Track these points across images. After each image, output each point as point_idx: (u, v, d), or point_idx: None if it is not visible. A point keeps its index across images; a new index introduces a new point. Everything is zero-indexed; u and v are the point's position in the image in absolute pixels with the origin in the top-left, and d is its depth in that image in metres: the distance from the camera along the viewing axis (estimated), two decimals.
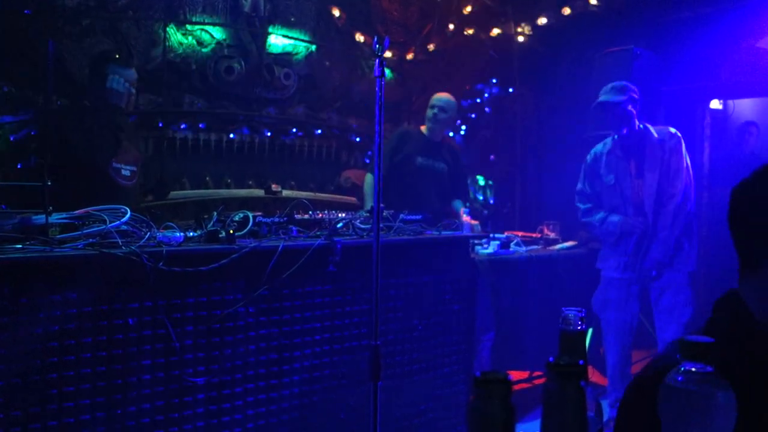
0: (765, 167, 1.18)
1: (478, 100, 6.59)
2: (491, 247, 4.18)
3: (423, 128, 4.54)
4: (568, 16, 5.72)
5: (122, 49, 4.41)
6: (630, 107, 3.80)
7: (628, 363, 3.99)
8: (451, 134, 6.43)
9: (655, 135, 3.88)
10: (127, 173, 3.42)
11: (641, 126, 3.88)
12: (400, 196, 3.99)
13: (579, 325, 1.00)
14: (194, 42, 4.79)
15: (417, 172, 4.38)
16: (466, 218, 4.06)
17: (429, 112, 4.46)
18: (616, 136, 3.96)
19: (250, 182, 5.12)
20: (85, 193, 2.93)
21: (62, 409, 2.38)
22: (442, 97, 4.49)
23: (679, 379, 0.82)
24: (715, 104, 5.74)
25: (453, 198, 4.59)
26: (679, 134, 3.88)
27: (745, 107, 6.06)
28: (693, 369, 0.82)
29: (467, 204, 4.55)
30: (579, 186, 4.15)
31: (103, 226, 2.50)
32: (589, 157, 4.11)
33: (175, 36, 4.71)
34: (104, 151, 3.30)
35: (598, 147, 4.09)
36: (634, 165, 3.91)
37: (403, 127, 4.76)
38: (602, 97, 3.85)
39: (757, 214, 1.15)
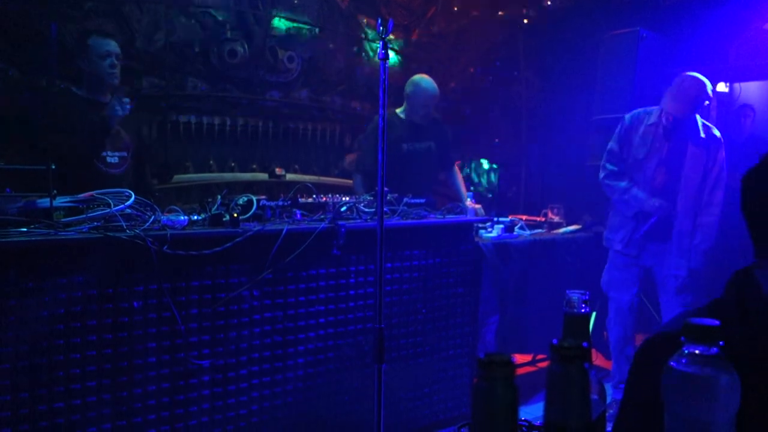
0: None
1: (483, 83, 6.56)
2: (495, 231, 4.18)
3: (398, 111, 4.37)
4: None
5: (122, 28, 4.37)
6: (698, 119, 3.73)
7: (629, 343, 3.99)
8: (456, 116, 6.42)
9: (702, 134, 3.75)
10: (115, 160, 3.35)
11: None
12: (389, 184, 3.92)
13: (583, 307, 1.00)
14: (197, 25, 4.77)
15: (404, 158, 4.24)
16: (469, 202, 4.06)
17: (422, 110, 4.27)
18: (666, 118, 3.78)
19: (254, 166, 5.11)
20: (70, 181, 2.85)
21: (69, 391, 2.40)
22: (435, 91, 4.31)
23: (683, 361, 0.82)
24: (722, 87, 5.70)
25: (439, 173, 4.54)
26: (721, 139, 3.78)
27: (751, 90, 6.01)
28: (697, 351, 0.82)
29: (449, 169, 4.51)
30: (612, 145, 3.97)
31: (108, 210, 2.50)
32: (627, 119, 3.93)
33: (177, 19, 4.68)
34: (90, 141, 3.23)
35: (640, 112, 3.92)
36: (667, 151, 3.79)
37: (374, 122, 4.57)
38: (679, 114, 3.70)
39: (763, 199, 1.14)
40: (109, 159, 3.33)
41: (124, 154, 3.41)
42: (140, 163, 3.56)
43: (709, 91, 3.71)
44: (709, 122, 3.88)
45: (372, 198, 3.31)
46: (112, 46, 3.34)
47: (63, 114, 3.28)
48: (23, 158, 3.84)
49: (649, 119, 3.87)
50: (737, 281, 1.17)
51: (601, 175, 4.00)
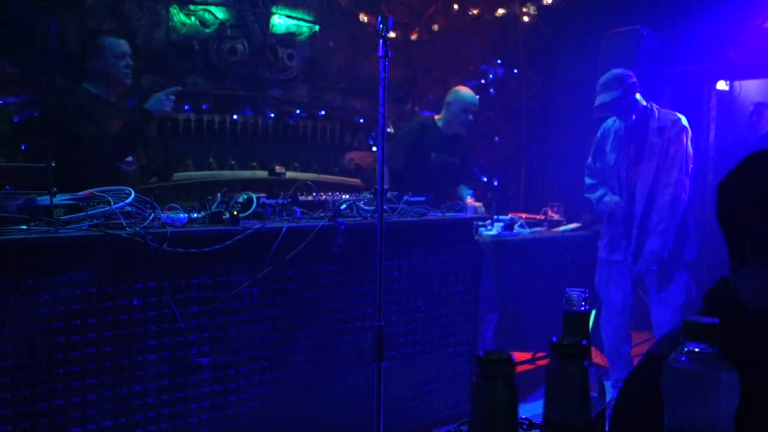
0: (746, 159, 1.16)
1: (483, 82, 6.55)
2: (495, 229, 4.18)
3: (437, 118, 4.50)
4: None
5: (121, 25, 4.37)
6: (629, 98, 3.73)
7: (625, 343, 3.98)
8: None
9: (657, 122, 3.79)
10: (129, 158, 3.42)
11: (649, 106, 3.81)
12: (409, 187, 3.95)
13: (582, 305, 1.00)
14: (197, 22, 4.76)
15: (431, 167, 4.37)
16: (469, 200, 4.06)
17: (464, 116, 4.39)
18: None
19: (254, 164, 5.11)
20: (89, 178, 2.91)
21: (68, 388, 2.40)
22: (474, 99, 4.46)
23: (683, 359, 0.82)
24: (722, 85, 5.70)
25: (459, 184, 4.58)
26: (684, 122, 3.77)
27: (752, 89, 6.01)
28: (696, 349, 0.82)
29: (471, 187, 4.54)
30: (588, 160, 4.11)
31: (108, 208, 2.50)
32: (599, 132, 4.05)
33: (177, 16, 4.68)
34: (128, 143, 3.30)
35: (608, 122, 4.02)
36: (633, 149, 3.85)
37: (420, 119, 4.70)
38: (597, 100, 3.79)
39: (741, 209, 1.14)
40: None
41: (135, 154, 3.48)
42: (141, 166, 3.62)
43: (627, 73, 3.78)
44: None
45: (372, 196, 3.31)
46: (124, 46, 3.39)
47: (87, 113, 3.29)
48: (23, 156, 3.85)
49: (614, 125, 3.96)
50: (715, 289, 1.17)
51: (585, 189, 4.14)
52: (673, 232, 3.74)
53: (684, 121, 3.80)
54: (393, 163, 4.32)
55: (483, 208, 4.11)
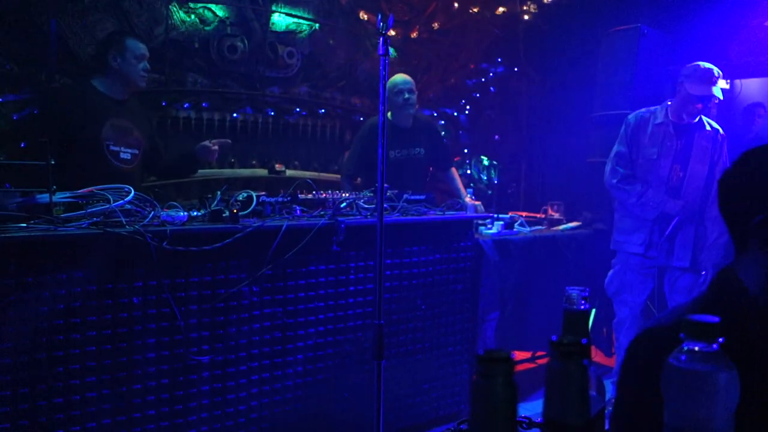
0: (741, 156, 1.23)
1: (483, 80, 6.55)
2: (495, 228, 4.18)
3: (389, 114, 4.19)
4: None
5: (121, 23, 4.38)
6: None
7: None
8: (455, 114, 6.41)
9: (708, 127, 3.75)
10: (127, 156, 3.39)
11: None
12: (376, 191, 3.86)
13: (582, 304, 1.00)
14: (197, 20, 4.76)
15: (392, 166, 3.93)
16: (468, 198, 4.05)
17: (399, 98, 4.13)
18: (671, 112, 3.77)
19: (254, 162, 5.11)
20: (83, 175, 2.91)
21: (68, 386, 2.40)
22: (406, 78, 4.21)
23: (683, 358, 0.81)
24: (723, 84, 5.69)
25: (436, 173, 4.50)
26: (723, 133, 3.78)
27: (752, 87, 6.01)
28: (696, 348, 0.82)
29: (454, 168, 4.48)
30: (620, 148, 3.88)
31: (107, 206, 2.50)
32: (632, 120, 3.87)
33: (177, 14, 4.67)
34: (96, 131, 3.28)
35: (643, 112, 3.87)
36: (680, 148, 3.76)
37: (371, 120, 4.39)
38: (717, 92, 3.63)
39: (737, 201, 1.23)
40: (122, 155, 3.38)
41: (136, 151, 3.46)
42: (148, 160, 3.61)
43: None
44: (709, 118, 3.87)
45: (372, 194, 3.31)
46: (145, 49, 3.43)
47: (83, 109, 3.31)
48: (23, 154, 3.85)
49: (656, 119, 3.83)
50: (720, 280, 1.23)
51: (613, 180, 3.88)
52: (729, 244, 3.68)
53: (721, 129, 3.80)
54: (347, 169, 4.30)
55: (482, 207, 4.09)
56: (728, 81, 5.74)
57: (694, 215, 3.74)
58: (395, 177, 3.87)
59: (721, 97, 3.68)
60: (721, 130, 3.79)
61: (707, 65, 3.66)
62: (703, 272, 3.73)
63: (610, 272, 4.01)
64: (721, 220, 3.64)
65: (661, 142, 3.78)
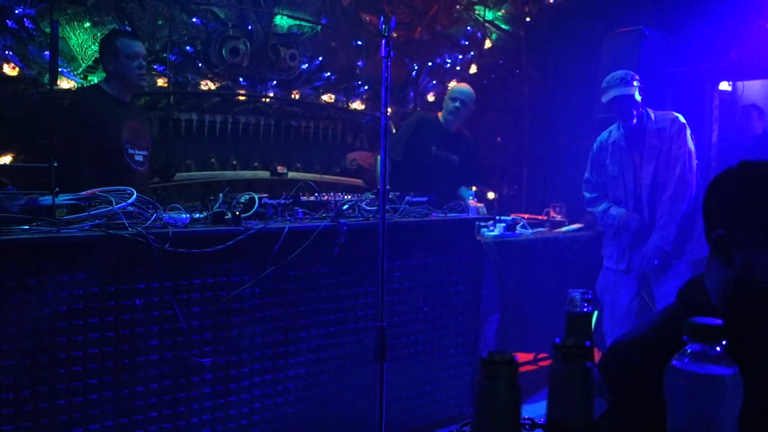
0: (728, 168, 1.27)
1: (485, 82, 6.54)
2: (497, 230, 4.18)
3: (440, 115, 4.51)
4: None
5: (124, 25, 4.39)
6: (637, 96, 3.74)
7: None
8: None
9: (654, 124, 3.79)
10: (140, 158, 3.45)
11: (644, 112, 3.81)
12: (410, 182, 3.97)
13: (585, 306, 1.00)
14: (199, 22, 4.77)
15: (430, 161, 4.38)
16: (471, 201, 4.06)
17: (450, 104, 4.42)
18: (620, 126, 3.89)
19: (256, 164, 5.11)
20: (101, 181, 2.94)
21: (71, 388, 2.41)
22: (464, 89, 4.47)
23: (686, 361, 0.81)
24: (724, 86, 5.69)
25: (461, 185, 4.59)
26: (682, 120, 3.77)
27: (754, 89, 6.01)
28: (699, 350, 0.82)
29: (473, 188, 4.54)
30: (586, 175, 4.11)
31: (110, 208, 2.51)
32: (595, 146, 4.06)
33: (179, 16, 4.68)
34: (116, 135, 3.33)
35: (603, 136, 4.03)
36: (636, 156, 3.84)
37: (421, 113, 4.71)
38: (615, 92, 3.73)
39: (710, 212, 1.26)
40: (137, 157, 3.43)
41: (146, 153, 3.51)
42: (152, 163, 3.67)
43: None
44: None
45: (374, 196, 3.31)
46: (139, 47, 3.42)
47: (100, 113, 3.33)
48: (34, 156, 3.86)
49: (610, 138, 3.96)
50: (688, 288, 1.29)
51: (587, 203, 4.13)
52: (675, 227, 3.72)
53: (681, 118, 3.80)
54: (393, 153, 4.37)
55: (485, 209, 4.11)
56: (730, 83, 5.75)
57: (645, 215, 3.83)
58: (431, 170, 4.28)
59: (630, 93, 3.71)
60: (675, 116, 3.81)
61: (614, 73, 3.81)
62: (656, 261, 3.82)
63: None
64: (664, 203, 3.64)
65: (619, 159, 3.90)
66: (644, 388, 1.13)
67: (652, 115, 3.83)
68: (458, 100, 4.39)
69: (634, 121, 3.78)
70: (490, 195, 5.63)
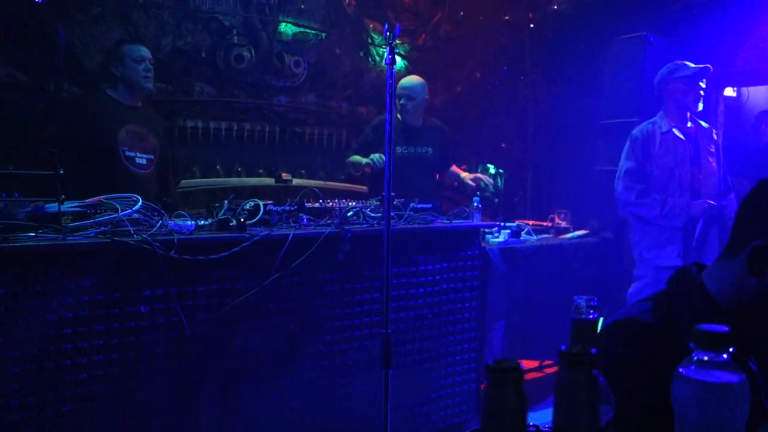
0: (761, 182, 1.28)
1: (489, 87, 6.55)
2: (502, 236, 4.17)
3: (398, 113, 4.35)
4: (580, 2, 5.67)
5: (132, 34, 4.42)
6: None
7: None
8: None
9: (704, 124, 3.85)
10: (143, 161, 3.47)
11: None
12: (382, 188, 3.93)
13: (590, 313, 1.00)
14: (204, 30, 4.79)
15: (398, 162, 4.18)
16: (475, 175, 4.11)
17: (397, 103, 4.26)
18: (665, 117, 3.84)
19: (261, 171, 5.12)
20: (100, 182, 2.97)
21: (76, 395, 2.41)
22: (407, 83, 4.30)
23: (693, 368, 0.81)
24: (729, 92, 5.68)
25: (442, 177, 4.59)
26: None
27: (759, 95, 6.00)
28: (706, 358, 0.81)
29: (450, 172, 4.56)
30: (629, 165, 3.87)
31: (115, 215, 2.51)
32: (638, 135, 3.87)
33: (185, 24, 4.70)
34: (112, 137, 3.36)
35: (646, 126, 3.88)
36: (692, 149, 3.79)
37: (379, 118, 4.50)
38: (698, 67, 3.75)
39: (749, 221, 1.26)
40: (137, 160, 3.45)
41: (151, 156, 3.54)
42: (164, 166, 3.68)
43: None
44: (719, 130, 3.95)
45: (378, 203, 3.31)
46: (144, 51, 3.50)
47: (99, 117, 3.40)
48: (37, 163, 3.88)
49: (657, 128, 3.86)
50: (680, 278, 1.33)
51: (631, 197, 3.86)
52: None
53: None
54: (352, 152, 4.43)
55: (489, 179, 4.19)
56: (735, 89, 5.74)
57: (714, 215, 3.77)
58: (402, 171, 3.98)
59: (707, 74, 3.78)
60: (713, 129, 3.92)
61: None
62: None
63: (635, 284, 3.93)
64: (732, 211, 3.55)
65: (675, 150, 3.78)
66: (643, 370, 1.17)
67: (697, 119, 3.88)
68: (402, 97, 4.25)
69: (701, 106, 3.78)
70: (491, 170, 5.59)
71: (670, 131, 3.81)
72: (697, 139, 3.81)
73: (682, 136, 3.78)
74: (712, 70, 3.79)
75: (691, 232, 3.75)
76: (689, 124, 3.84)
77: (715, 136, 3.88)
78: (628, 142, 3.93)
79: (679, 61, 3.83)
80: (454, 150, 4.72)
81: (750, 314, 1.20)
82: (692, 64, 3.79)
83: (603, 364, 1.17)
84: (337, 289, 3.10)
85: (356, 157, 4.27)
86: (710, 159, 3.79)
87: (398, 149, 4.26)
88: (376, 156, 4.02)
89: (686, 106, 3.81)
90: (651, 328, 1.27)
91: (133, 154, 3.42)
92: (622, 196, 3.90)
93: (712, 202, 3.74)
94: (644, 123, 3.94)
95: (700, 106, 3.80)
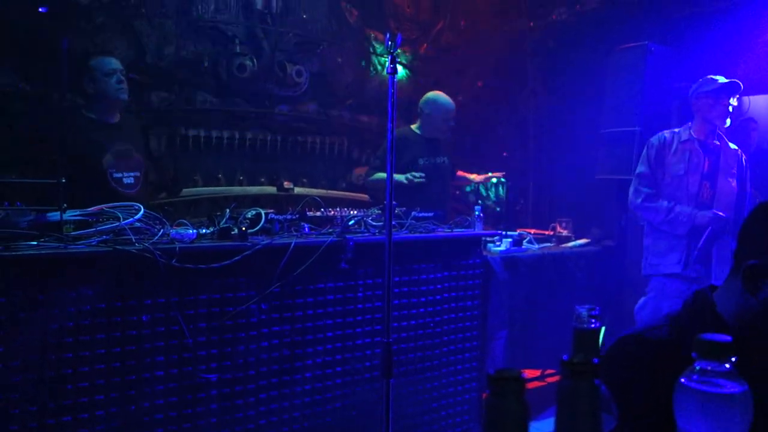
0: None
1: (490, 97, 6.56)
2: (504, 245, 4.17)
3: (413, 126, 4.49)
4: (581, 11, 5.68)
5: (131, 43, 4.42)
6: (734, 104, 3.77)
7: None
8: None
9: (733, 146, 3.81)
10: (131, 180, 3.40)
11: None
12: (408, 198, 3.95)
13: (592, 322, 1.00)
14: (207, 39, 4.81)
15: (422, 172, 4.29)
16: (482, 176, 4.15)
17: (444, 124, 4.41)
18: (690, 128, 3.84)
19: (263, 179, 5.13)
20: (87, 201, 2.92)
21: (77, 404, 2.40)
22: (452, 104, 4.44)
23: (695, 378, 0.81)
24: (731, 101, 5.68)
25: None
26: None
27: (760, 104, 5.99)
28: (709, 368, 0.81)
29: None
30: (642, 169, 3.87)
31: (117, 223, 2.52)
32: (655, 141, 3.87)
33: (187, 34, 4.72)
34: (98, 161, 3.29)
35: (666, 134, 3.88)
36: (708, 164, 3.76)
37: (398, 131, 4.59)
38: (728, 80, 3.74)
39: (749, 239, 1.29)
40: (125, 180, 3.38)
41: (137, 173, 3.45)
42: (150, 183, 3.60)
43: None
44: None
45: (380, 212, 3.31)
46: (114, 63, 3.40)
47: (72, 133, 3.32)
48: (38, 172, 3.88)
49: (681, 137, 3.85)
50: (695, 301, 1.33)
51: (637, 200, 3.85)
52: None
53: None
54: (371, 164, 4.51)
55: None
56: (737, 98, 5.74)
57: (727, 228, 3.68)
58: (423, 184, 4.18)
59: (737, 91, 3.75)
60: (739, 151, 3.83)
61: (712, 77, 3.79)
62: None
63: (643, 298, 3.90)
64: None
65: (689, 159, 3.78)
66: (649, 386, 1.17)
67: (724, 138, 3.84)
68: (451, 120, 4.43)
69: (728, 122, 3.75)
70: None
71: (689, 140, 3.81)
72: (718, 154, 3.77)
73: (699, 148, 3.78)
74: (742, 87, 3.74)
75: (695, 242, 3.72)
76: (716, 141, 3.80)
77: (742, 159, 3.79)
78: (645, 148, 3.94)
79: (710, 76, 3.78)
80: (457, 158, 4.77)
81: (753, 332, 1.21)
82: (722, 79, 3.74)
83: (609, 381, 1.17)
84: (338, 298, 3.09)
85: (380, 174, 4.30)
86: (729, 179, 3.73)
87: (420, 161, 4.38)
88: (409, 176, 4.14)
89: (711, 121, 3.76)
90: (660, 347, 1.27)
91: (120, 174, 3.34)
92: (630, 198, 3.91)
93: (720, 213, 3.69)
94: (666, 131, 3.92)
95: (727, 122, 3.74)
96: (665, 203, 3.77)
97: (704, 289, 1.34)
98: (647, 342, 1.29)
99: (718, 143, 3.81)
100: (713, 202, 3.74)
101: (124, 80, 3.40)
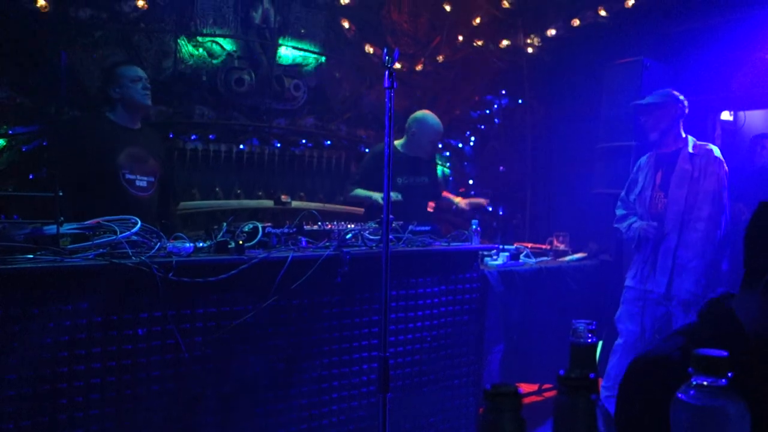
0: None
1: (488, 112, 6.59)
2: (501, 259, 4.17)
3: (397, 143, 4.40)
4: (577, 27, 5.72)
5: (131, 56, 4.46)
6: (673, 115, 3.80)
7: None
8: (460, 145, 6.45)
9: (690, 150, 3.79)
10: (143, 184, 3.46)
11: (685, 136, 3.85)
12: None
13: (589, 337, 1.00)
14: (205, 53, 4.82)
15: (399, 191, 4.16)
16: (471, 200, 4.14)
17: (429, 146, 4.39)
18: (654, 147, 3.95)
19: (260, 193, 5.13)
20: (100, 204, 2.97)
21: (72, 419, 2.39)
22: (440, 125, 4.39)
23: (692, 393, 0.81)
24: (726, 116, 5.71)
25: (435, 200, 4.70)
26: (716, 153, 3.77)
27: (756, 119, 6.03)
28: (705, 383, 0.81)
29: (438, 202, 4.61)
30: (622, 193, 4.12)
31: (114, 237, 2.51)
32: (635, 167, 4.10)
33: (185, 47, 4.74)
34: (112, 160, 3.36)
35: (643, 159, 4.06)
36: (660, 176, 3.86)
37: (378, 146, 4.52)
38: (649, 99, 3.88)
39: (763, 244, 1.23)
40: (138, 183, 3.45)
41: (152, 179, 3.53)
42: (164, 188, 3.68)
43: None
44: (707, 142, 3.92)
45: (377, 226, 3.31)
46: (140, 71, 3.53)
47: (99, 140, 3.41)
48: (31, 186, 3.89)
49: (646, 159, 4.00)
50: (712, 311, 1.27)
51: (615, 223, 4.11)
52: (703, 269, 3.66)
53: (717, 152, 3.79)
54: (348, 182, 4.49)
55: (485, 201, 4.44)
56: (732, 112, 5.77)
57: (671, 239, 3.75)
58: (401, 203, 4.03)
59: (658, 102, 3.84)
60: (713, 149, 3.80)
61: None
62: (659, 292, 3.76)
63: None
64: (695, 244, 3.63)
65: (646, 174, 3.93)
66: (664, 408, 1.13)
67: (691, 143, 3.84)
68: (438, 141, 4.47)
69: (655, 135, 3.83)
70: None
71: (648, 156, 3.98)
72: (674, 165, 3.80)
73: (653, 162, 3.92)
74: (644, 104, 3.89)
75: (643, 255, 3.87)
76: (673, 149, 3.85)
77: (719, 172, 3.73)
78: None
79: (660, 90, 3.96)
80: (454, 174, 4.77)
81: None
82: (657, 95, 3.91)
83: (631, 403, 1.16)
84: (335, 312, 3.09)
85: (360, 191, 4.29)
86: (678, 188, 3.74)
87: (398, 179, 4.28)
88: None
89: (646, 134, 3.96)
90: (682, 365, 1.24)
91: (133, 176, 3.42)
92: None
93: (653, 223, 3.79)
94: (645, 156, 4.08)
95: (652, 136, 3.89)
96: (628, 220, 3.99)
97: (717, 297, 1.30)
98: (671, 363, 1.24)
99: (678, 149, 3.84)
100: (666, 214, 3.79)
101: (149, 87, 3.52)
